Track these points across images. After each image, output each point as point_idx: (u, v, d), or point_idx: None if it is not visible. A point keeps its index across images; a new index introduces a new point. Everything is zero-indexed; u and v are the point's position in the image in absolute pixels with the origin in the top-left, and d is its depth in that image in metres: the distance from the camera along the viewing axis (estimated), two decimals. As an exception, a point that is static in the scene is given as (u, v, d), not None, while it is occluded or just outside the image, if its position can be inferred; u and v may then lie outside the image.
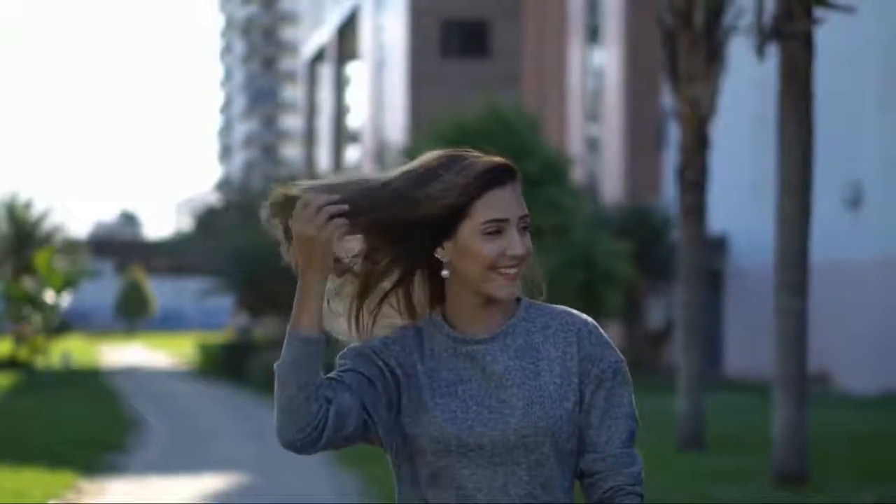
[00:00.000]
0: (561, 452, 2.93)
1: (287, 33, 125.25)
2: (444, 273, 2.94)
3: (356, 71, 60.37)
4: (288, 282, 3.25)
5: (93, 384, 32.73)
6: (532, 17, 43.59)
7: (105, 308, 79.25)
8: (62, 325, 42.55)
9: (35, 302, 38.29)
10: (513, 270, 2.91)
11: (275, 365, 2.86)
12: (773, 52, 13.53)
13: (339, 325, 3.02)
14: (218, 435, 20.56)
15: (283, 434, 2.86)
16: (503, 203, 2.90)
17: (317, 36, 64.81)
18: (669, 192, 30.25)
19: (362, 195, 2.90)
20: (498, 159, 2.94)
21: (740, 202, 30.33)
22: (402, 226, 2.91)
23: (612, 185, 37.00)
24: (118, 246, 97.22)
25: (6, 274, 51.10)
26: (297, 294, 2.86)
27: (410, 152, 27.77)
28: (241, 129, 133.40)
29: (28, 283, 40.26)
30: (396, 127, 47.29)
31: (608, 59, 37.44)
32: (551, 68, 41.87)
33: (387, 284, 3.01)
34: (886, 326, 25.97)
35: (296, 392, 2.82)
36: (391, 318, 3.04)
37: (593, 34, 38.94)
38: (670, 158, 28.75)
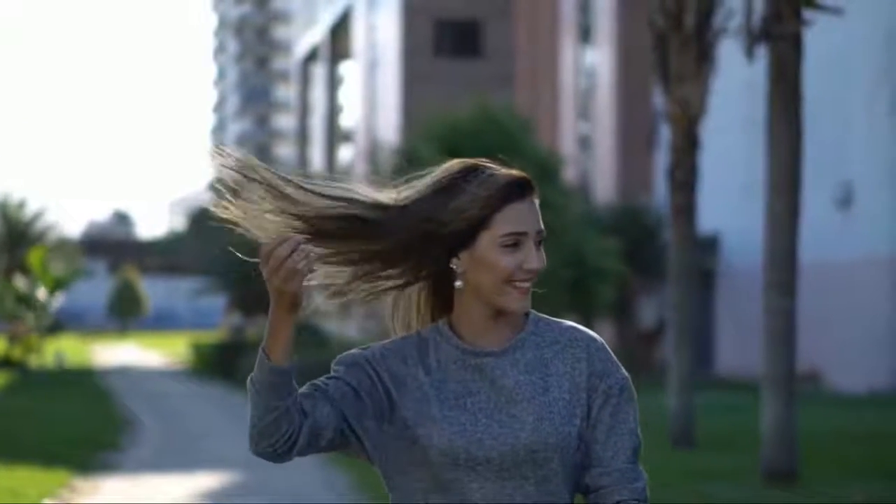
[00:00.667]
0: (567, 467, 2.95)
1: (280, 33, 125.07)
2: (458, 284, 2.94)
3: (349, 70, 60.32)
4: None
5: (86, 383, 32.73)
6: (524, 17, 43.63)
7: (98, 307, 79.07)
8: (55, 324, 42.44)
9: (28, 301, 38.31)
10: (527, 284, 2.92)
11: (248, 378, 2.87)
12: (762, 53, 13.59)
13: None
14: (210, 433, 20.60)
15: (254, 445, 2.89)
16: (522, 217, 2.91)
17: (310, 35, 64.75)
18: (661, 192, 30.32)
19: (378, 221, 2.91)
20: (517, 172, 2.95)
21: (732, 202, 30.41)
22: (422, 240, 2.93)
23: (604, 185, 37.03)
24: (111, 245, 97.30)
25: (-1, 273, 51.09)
26: (269, 321, 2.84)
27: (403, 152, 27.85)
28: (235, 129, 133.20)
29: (21, 282, 40.22)
30: (389, 127, 47.30)
31: (600, 59, 37.48)
32: (544, 68, 41.92)
33: (388, 284, 3.02)
34: (876, 326, 26.03)
35: (264, 413, 2.85)
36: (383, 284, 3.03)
37: (585, 34, 38.97)
38: (662, 158, 28.82)
